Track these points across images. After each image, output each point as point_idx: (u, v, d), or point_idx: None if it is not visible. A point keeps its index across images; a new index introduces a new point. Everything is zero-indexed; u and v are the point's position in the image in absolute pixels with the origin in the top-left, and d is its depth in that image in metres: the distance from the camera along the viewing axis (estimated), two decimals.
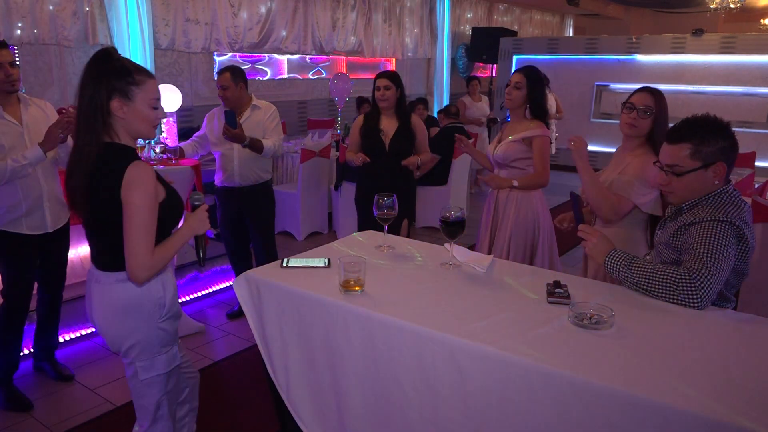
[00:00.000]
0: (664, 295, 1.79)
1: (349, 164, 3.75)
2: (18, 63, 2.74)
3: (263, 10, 7.13)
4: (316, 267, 2.12)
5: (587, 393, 1.38)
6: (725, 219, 1.81)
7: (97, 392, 3.06)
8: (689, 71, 8.68)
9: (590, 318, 1.66)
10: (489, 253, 3.25)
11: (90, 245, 1.90)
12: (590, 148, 9.35)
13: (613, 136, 8.71)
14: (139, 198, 1.70)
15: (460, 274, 2.08)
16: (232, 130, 3.40)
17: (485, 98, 8.12)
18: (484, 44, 10.36)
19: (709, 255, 1.76)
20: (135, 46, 5.60)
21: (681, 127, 1.92)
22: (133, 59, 6.00)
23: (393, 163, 3.61)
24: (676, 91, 8.36)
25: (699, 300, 1.74)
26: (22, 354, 3.22)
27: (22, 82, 4.04)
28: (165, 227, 1.82)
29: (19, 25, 4.92)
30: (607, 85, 9.38)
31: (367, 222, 3.60)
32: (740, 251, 1.85)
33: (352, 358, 1.83)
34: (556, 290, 1.84)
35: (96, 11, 5.49)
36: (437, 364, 1.62)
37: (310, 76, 8.48)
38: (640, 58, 9.09)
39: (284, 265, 2.13)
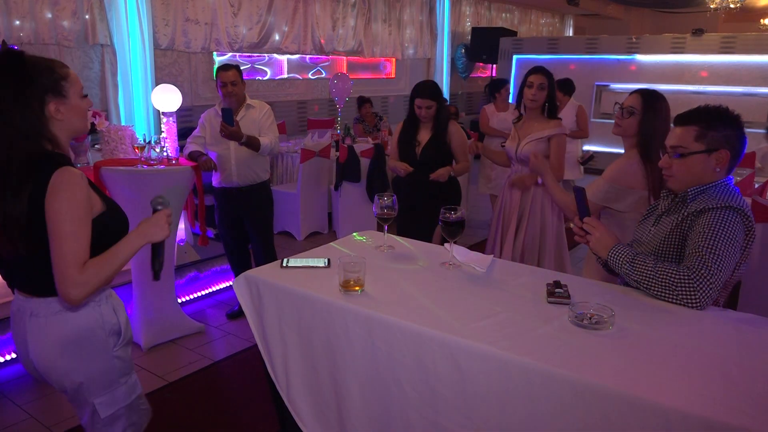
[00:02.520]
0: (663, 294, 1.78)
1: (393, 171, 3.68)
2: None
3: (263, 10, 7.14)
4: (316, 267, 2.12)
5: (587, 393, 1.38)
6: (738, 207, 1.79)
7: None
8: (689, 71, 8.68)
9: (590, 318, 1.66)
10: (512, 252, 3.36)
11: (15, 272, 1.64)
12: (589, 148, 9.17)
13: (612, 136, 8.69)
14: (62, 204, 1.49)
15: (460, 275, 2.08)
16: (230, 127, 3.40)
17: (512, 106, 6.26)
18: (484, 44, 10.37)
19: (712, 251, 1.73)
20: (135, 46, 5.60)
21: (691, 112, 1.93)
22: (133, 59, 5.97)
23: (424, 173, 3.50)
24: (676, 91, 8.36)
25: (698, 300, 1.73)
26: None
27: None
28: (102, 246, 1.58)
29: (18, 24, 4.92)
30: (607, 85, 9.38)
31: (408, 229, 3.56)
32: (744, 245, 1.82)
33: (351, 359, 1.82)
34: (556, 290, 1.84)
35: (96, 11, 5.49)
36: (437, 365, 1.62)
37: (309, 76, 8.48)
38: (640, 58, 9.09)
39: (284, 265, 2.13)
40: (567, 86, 5.89)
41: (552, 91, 3.30)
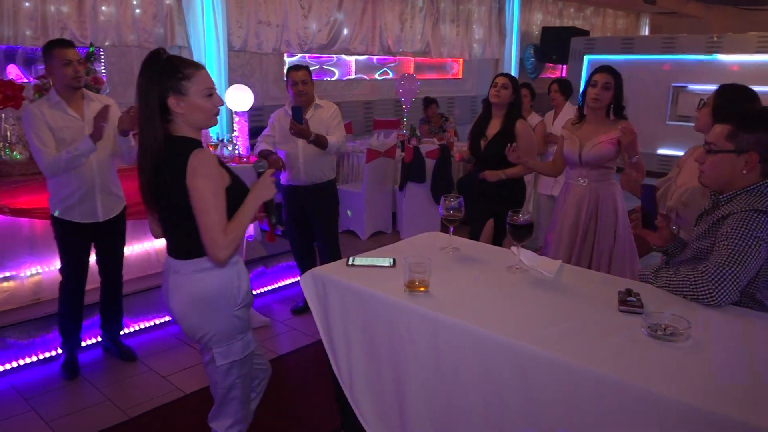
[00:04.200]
0: (683, 292, 1.82)
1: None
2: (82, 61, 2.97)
3: (332, 11, 7.24)
4: (382, 266, 2.13)
5: (662, 407, 1.32)
6: (764, 210, 1.77)
7: (168, 379, 3.19)
8: None
9: (665, 329, 1.59)
10: (570, 254, 3.25)
11: (166, 237, 1.97)
12: (665, 152, 8.82)
13: (690, 139, 8.29)
14: (203, 183, 1.75)
15: (528, 279, 2.04)
16: (299, 125, 3.48)
17: (534, 115, 5.19)
18: (554, 44, 10.13)
19: (730, 251, 1.75)
20: (210, 47, 5.80)
21: (734, 110, 1.95)
22: (207, 60, 6.23)
23: (486, 168, 3.53)
24: (761, 92, 7.89)
25: (711, 296, 1.75)
26: (93, 342, 3.43)
27: (108, 83, 4.29)
28: (232, 213, 1.85)
29: (103, 26, 5.20)
30: (685, 86, 8.97)
31: (476, 231, 3.68)
32: None
33: (415, 359, 1.82)
34: (628, 299, 1.78)
35: (175, 14, 5.73)
36: (502, 370, 1.60)
37: (376, 76, 8.54)
38: (722, 57, 8.64)
39: (350, 263, 2.16)
40: (566, 87, 5.17)
41: (619, 92, 3.14)
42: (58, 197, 2.98)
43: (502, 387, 1.61)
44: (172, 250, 1.94)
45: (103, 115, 2.85)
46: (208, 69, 1.90)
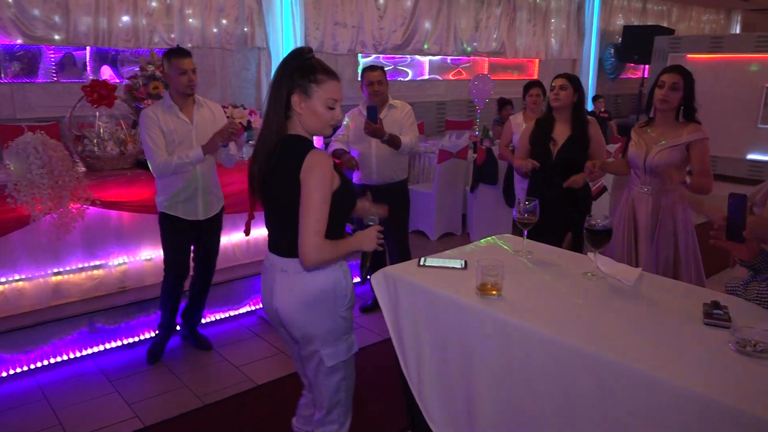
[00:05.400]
0: None
1: (518, 172, 3.59)
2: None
3: (408, 12, 7.27)
4: (453, 268, 2.12)
5: (751, 428, 1.25)
6: None
7: (241, 369, 3.30)
8: None
9: (755, 345, 1.50)
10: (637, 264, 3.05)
11: (273, 233, 1.96)
12: (756, 157, 8.32)
13: None
14: (315, 182, 1.76)
15: (604, 286, 1.97)
16: (374, 124, 3.51)
17: (519, 114, 4.88)
18: (636, 43, 9.76)
19: None
20: (288, 48, 5.96)
21: None
22: None
23: (560, 175, 3.26)
24: None
25: None
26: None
27: None
28: (336, 215, 1.84)
29: (189, 28, 5.44)
30: None
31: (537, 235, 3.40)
32: None
33: (485, 363, 1.80)
34: (715, 311, 1.69)
35: (255, 17, 5.92)
36: (578, 380, 1.55)
37: (450, 77, 8.50)
38: None
39: (421, 264, 2.16)
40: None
41: (689, 93, 2.92)
42: (165, 195, 3.18)
43: (576, 397, 1.56)
44: (278, 248, 1.92)
45: (223, 134, 3.03)
46: None
